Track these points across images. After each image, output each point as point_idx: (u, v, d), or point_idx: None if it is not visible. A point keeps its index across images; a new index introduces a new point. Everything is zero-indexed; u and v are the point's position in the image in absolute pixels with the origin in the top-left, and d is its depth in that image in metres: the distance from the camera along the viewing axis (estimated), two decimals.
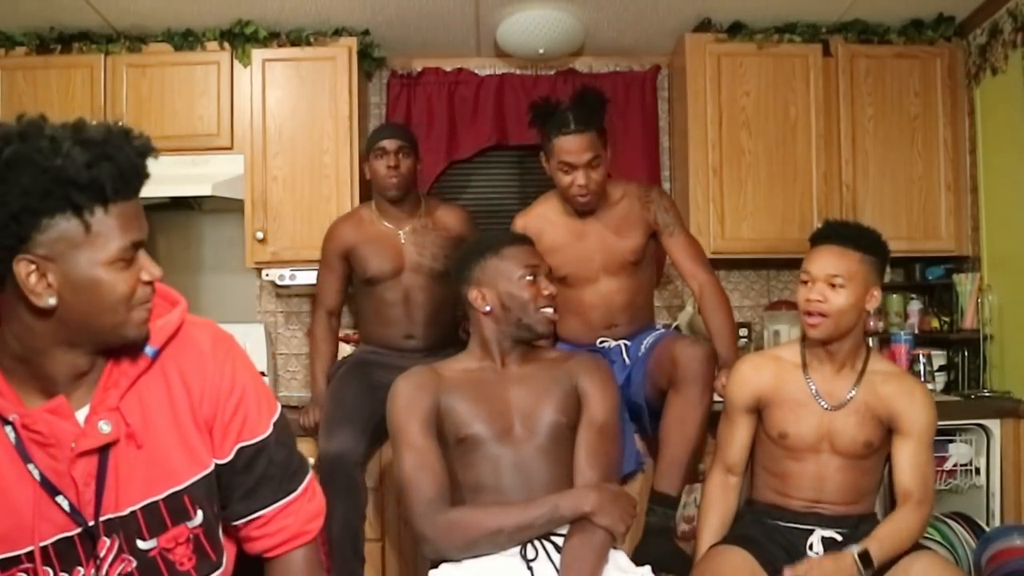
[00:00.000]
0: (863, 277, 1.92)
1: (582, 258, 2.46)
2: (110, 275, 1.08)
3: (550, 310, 1.86)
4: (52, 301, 1.05)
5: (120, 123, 1.11)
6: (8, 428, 1.10)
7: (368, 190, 3.23)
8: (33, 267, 1.04)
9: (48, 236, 1.03)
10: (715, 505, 2.06)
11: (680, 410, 2.18)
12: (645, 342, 2.41)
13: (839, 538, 1.91)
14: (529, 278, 1.85)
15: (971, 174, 3.02)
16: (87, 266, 1.06)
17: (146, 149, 1.10)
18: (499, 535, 1.64)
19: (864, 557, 1.80)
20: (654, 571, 1.88)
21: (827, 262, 1.92)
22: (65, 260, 1.05)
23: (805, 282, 1.95)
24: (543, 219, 2.49)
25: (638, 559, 2.04)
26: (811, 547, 1.91)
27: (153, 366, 1.18)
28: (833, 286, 1.90)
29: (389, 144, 2.58)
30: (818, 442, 1.96)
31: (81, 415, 1.13)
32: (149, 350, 1.17)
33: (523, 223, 2.49)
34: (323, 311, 2.70)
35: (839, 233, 1.96)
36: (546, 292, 1.86)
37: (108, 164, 1.04)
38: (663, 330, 2.56)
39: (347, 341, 3.12)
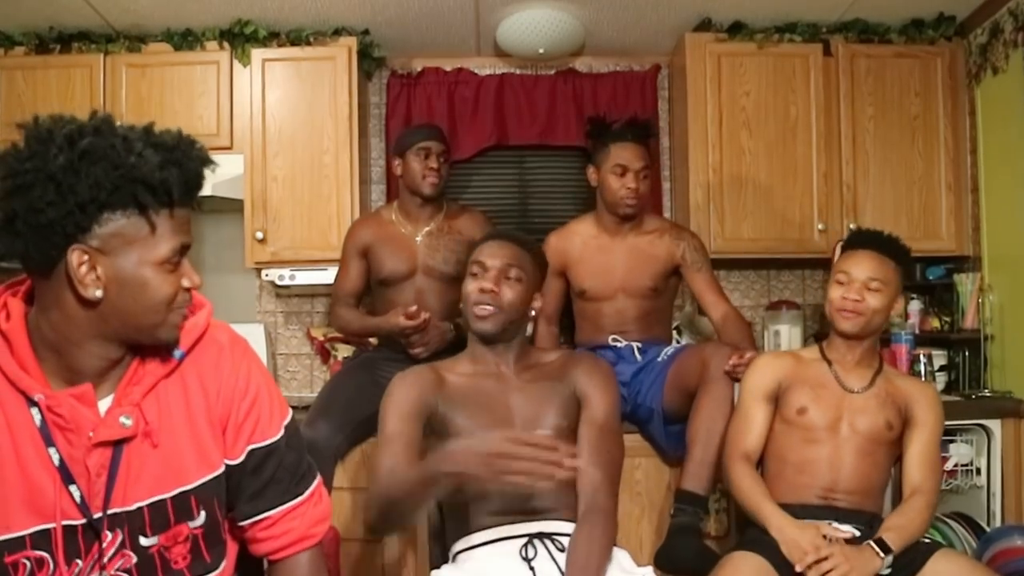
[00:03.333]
0: (896, 285, 2.03)
1: (603, 273, 2.57)
2: (157, 276, 1.11)
3: (482, 307, 1.79)
4: (98, 293, 1.08)
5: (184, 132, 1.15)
6: (34, 410, 1.12)
7: (367, 190, 3.25)
8: (86, 257, 1.06)
9: (106, 230, 1.06)
10: (753, 476, 2.01)
11: (710, 409, 2.20)
12: (667, 351, 2.46)
13: (857, 534, 1.91)
14: (473, 272, 1.84)
15: (972, 174, 3.01)
16: (137, 264, 1.09)
17: (208, 159, 1.15)
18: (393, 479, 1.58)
19: (882, 544, 1.82)
20: (679, 571, 1.87)
21: (868, 266, 2.01)
22: (117, 255, 1.08)
23: (841, 283, 2.03)
24: (574, 233, 2.65)
25: (662, 559, 2.06)
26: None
27: (177, 367, 1.21)
28: (870, 289, 1.99)
29: (435, 146, 2.61)
30: (836, 422, 2.00)
31: (103, 406, 1.15)
32: (177, 353, 1.20)
33: (556, 239, 2.66)
34: (342, 300, 2.67)
35: (878, 241, 2.06)
36: (479, 287, 1.80)
37: (177, 169, 1.09)
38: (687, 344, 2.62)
39: (345, 341, 3.12)
